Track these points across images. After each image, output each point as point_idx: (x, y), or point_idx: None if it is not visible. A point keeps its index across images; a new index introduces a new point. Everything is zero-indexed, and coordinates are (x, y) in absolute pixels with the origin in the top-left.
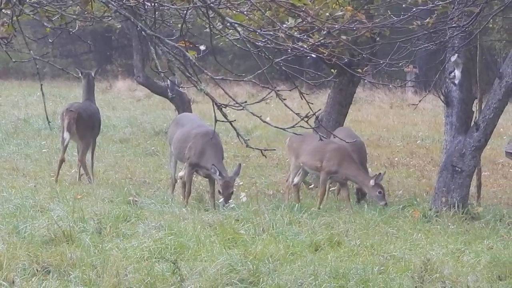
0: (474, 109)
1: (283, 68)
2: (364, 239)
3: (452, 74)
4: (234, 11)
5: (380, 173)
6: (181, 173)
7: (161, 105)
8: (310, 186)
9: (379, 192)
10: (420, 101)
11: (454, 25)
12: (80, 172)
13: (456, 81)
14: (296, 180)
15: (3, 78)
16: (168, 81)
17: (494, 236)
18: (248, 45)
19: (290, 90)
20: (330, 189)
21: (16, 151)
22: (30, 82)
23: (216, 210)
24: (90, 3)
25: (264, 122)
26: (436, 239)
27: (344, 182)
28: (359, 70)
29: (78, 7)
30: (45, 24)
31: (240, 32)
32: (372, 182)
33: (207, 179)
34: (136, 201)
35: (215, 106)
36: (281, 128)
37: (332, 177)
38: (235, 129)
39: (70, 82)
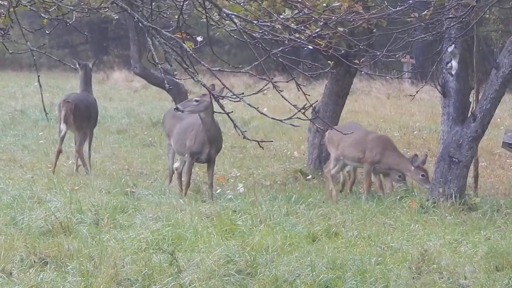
0: (471, 99)
1: (280, 59)
2: (362, 230)
3: (449, 64)
4: (230, 2)
5: (415, 155)
6: (176, 164)
7: (158, 96)
8: (307, 177)
9: (422, 175)
10: (417, 91)
11: (450, 15)
12: (77, 163)
13: (453, 72)
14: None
15: None
16: (161, 69)
17: (492, 226)
18: (244, 36)
19: (287, 82)
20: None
21: (13, 142)
22: (27, 73)
23: (213, 201)
24: None
25: (261, 113)
26: (433, 229)
27: (386, 172)
28: (356, 61)
29: None
30: (42, 15)
31: (237, 23)
32: (412, 167)
33: (204, 170)
34: (133, 192)
35: (212, 98)
36: (278, 120)
37: (375, 167)
38: (232, 120)
39: (67, 73)
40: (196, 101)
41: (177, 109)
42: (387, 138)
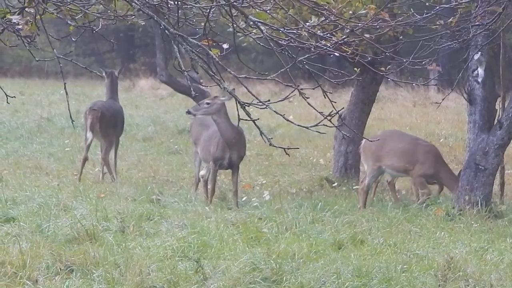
0: (497, 107)
1: (306, 66)
2: (387, 237)
3: (475, 72)
4: (257, 10)
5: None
6: (202, 172)
7: (184, 104)
8: (333, 185)
9: None
10: (443, 99)
11: (477, 23)
12: (103, 171)
13: (479, 79)
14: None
15: (26, 77)
16: (188, 77)
17: None
18: (271, 43)
19: (313, 89)
20: (354, 187)
21: (39, 150)
22: (53, 80)
23: (239, 209)
24: (114, 1)
25: (287, 120)
26: (459, 237)
27: (432, 182)
28: (382, 68)
29: (101, 5)
30: (69, 22)
31: (263, 31)
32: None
33: (230, 178)
34: (159, 199)
35: (238, 105)
36: (304, 127)
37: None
38: (258, 127)
39: (93, 81)
40: (207, 103)
41: (189, 112)
42: (437, 150)
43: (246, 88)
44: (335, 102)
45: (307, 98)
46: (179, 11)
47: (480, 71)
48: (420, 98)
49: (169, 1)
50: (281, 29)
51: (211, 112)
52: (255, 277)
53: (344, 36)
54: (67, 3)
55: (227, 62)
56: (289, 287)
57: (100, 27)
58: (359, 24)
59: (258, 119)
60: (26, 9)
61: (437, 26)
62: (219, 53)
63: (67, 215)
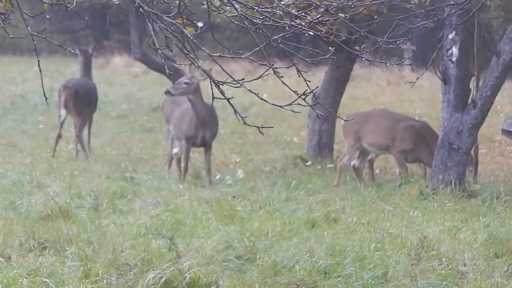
0: (471, 86)
1: (280, 45)
2: (361, 216)
3: (450, 51)
4: None
5: None
6: (175, 150)
7: (158, 81)
8: (307, 163)
9: None
10: (417, 78)
11: (451, 2)
12: (77, 148)
13: (454, 59)
14: (357, 163)
15: (0, 54)
16: (162, 55)
17: (491, 213)
18: (245, 22)
19: (287, 68)
20: (327, 166)
21: (13, 127)
22: (27, 58)
23: (212, 187)
24: None
25: (262, 99)
26: (432, 216)
27: (414, 162)
28: (357, 47)
29: None
30: (43, 0)
31: (238, 9)
32: None
33: (203, 156)
34: (133, 177)
35: (212, 83)
36: (278, 106)
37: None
38: (232, 106)
39: (67, 58)
40: (186, 83)
41: (168, 92)
42: (420, 128)
43: (220, 66)
44: (310, 81)
45: (282, 77)
46: None
47: (455, 50)
48: (394, 77)
49: None
50: (256, 8)
51: (190, 91)
52: (228, 255)
53: (319, 15)
54: None
55: (201, 41)
56: (262, 266)
57: (74, 4)
58: (334, 3)
59: (232, 97)
60: None
61: (411, 5)
62: (193, 32)
63: (41, 192)
